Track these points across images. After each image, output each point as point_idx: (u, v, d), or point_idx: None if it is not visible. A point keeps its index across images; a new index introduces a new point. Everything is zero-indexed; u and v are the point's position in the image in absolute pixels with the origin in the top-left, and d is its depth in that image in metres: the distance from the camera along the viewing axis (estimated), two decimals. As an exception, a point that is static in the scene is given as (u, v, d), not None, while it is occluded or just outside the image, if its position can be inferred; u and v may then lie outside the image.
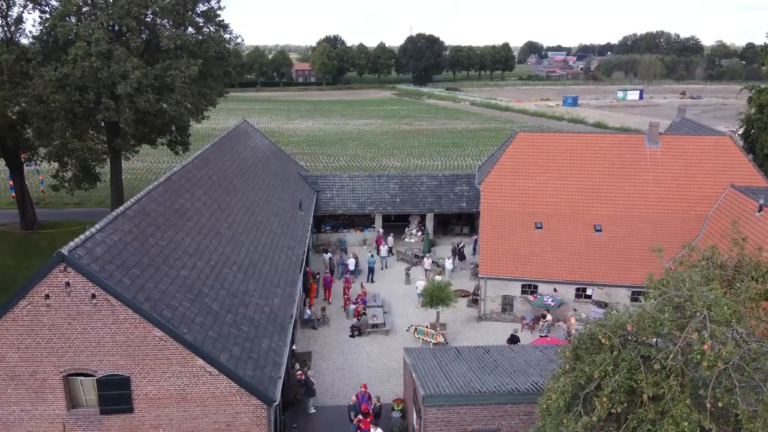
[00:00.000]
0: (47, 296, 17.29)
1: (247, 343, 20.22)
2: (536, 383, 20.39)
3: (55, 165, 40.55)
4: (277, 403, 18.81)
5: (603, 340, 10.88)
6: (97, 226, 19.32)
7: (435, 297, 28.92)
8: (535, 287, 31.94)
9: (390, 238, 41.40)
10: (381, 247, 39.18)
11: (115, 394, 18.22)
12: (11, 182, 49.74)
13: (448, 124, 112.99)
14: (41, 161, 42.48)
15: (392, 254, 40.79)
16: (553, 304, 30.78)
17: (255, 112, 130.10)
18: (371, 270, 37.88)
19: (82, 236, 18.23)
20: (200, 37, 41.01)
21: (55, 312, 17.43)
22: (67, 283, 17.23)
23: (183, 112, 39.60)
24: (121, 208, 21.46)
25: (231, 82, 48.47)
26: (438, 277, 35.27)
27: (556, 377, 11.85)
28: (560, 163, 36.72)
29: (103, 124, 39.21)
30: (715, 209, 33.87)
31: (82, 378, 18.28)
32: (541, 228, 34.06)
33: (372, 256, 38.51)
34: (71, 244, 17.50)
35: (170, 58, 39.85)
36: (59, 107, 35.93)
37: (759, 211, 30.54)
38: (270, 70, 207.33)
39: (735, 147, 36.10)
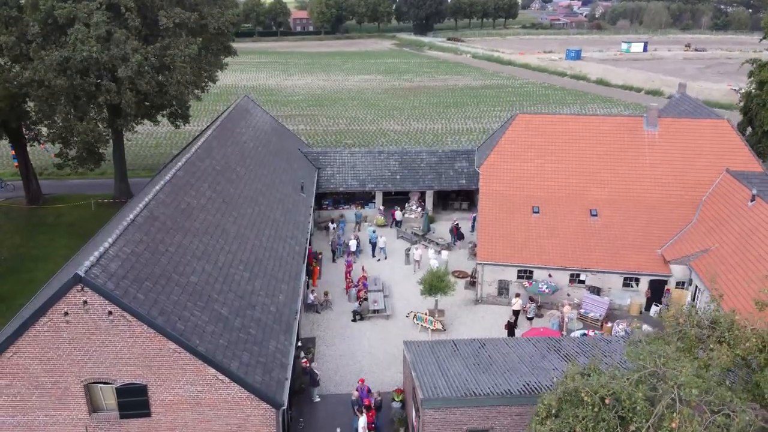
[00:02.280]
0: (66, 313, 18.26)
1: (255, 347, 21.36)
2: (528, 384, 21.66)
3: (59, 144, 40.91)
4: (284, 407, 20.10)
5: (585, 398, 11.87)
6: (110, 239, 20.07)
7: (434, 287, 29.99)
8: (531, 273, 32.99)
9: (399, 213, 42.52)
10: (380, 239, 39.23)
11: (134, 401, 19.49)
12: (13, 152, 50.08)
13: (449, 81, 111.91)
14: (45, 141, 42.79)
15: (399, 225, 42.24)
16: (547, 291, 31.90)
17: (252, 67, 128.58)
18: (374, 245, 39.07)
19: (96, 253, 19.03)
20: (199, 14, 40.55)
21: (75, 327, 18.45)
22: (85, 302, 18.16)
23: (184, 91, 39.72)
24: (131, 215, 22.14)
25: (231, 54, 48.17)
26: (445, 253, 37.04)
27: (541, 420, 12.86)
28: (559, 146, 37.15)
29: (104, 106, 39.32)
30: (709, 195, 34.54)
31: (102, 385, 19.50)
32: (538, 213, 34.82)
33: (374, 231, 39.74)
34: (87, 263, 18.32)
35: (169, 36, 39.62)
36: (61, 90, 36.06)
37: (751, 201, 31.25)
38: (267, 18, 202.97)
39: (732, 131, 36.46)
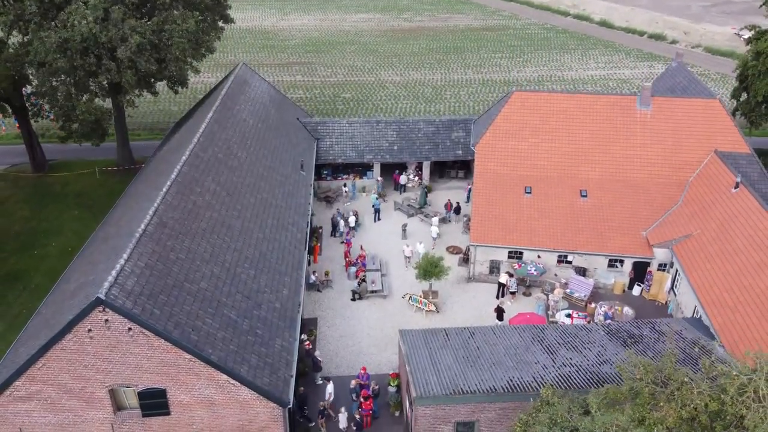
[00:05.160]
0: (90, 330, 20.01)
1: (263, 348, 23.28)
2: (511, 380, 23.76)
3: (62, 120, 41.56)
4: (290, 405, 22.23)
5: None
6: (125, 255, 21.52)
7: (428, 272, 31.74)
8: (521, 254, 34.64)
9: (403, 177, 44.50)
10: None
11: (154, 402, 21.60)
12: (15, 115, 50.52)
13: (450, 21, 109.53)
14: (49, 119, 43.46)
15: (403, 190, 44.64)
16: (535, 273, 33.68)
17: (247, 4, 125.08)
18: (377, 211, 41.08)
19: (114, 272, 20.53)
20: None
21: (98, 342, 20.26)
22: (106, 320, 19.89)
23: (182, 67, 40.07)
24: (143, 225, 23.46)
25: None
26: (435, 219, 39.22)
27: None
28: (553, 125, 37.89)
29: (106, 84, 39.71)
30: (695, 176, 35.69)
31: (125, 388, 21.55)
32: (530, 193, 36.06)
33: (378, 198, 41.83)
34: (106, 285, 19.86)
35: (166, 10, 39.51)
36: (62, 70, 36.51)
37: (735, 188, 32.45)
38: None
39: (723, 111, 37.06)
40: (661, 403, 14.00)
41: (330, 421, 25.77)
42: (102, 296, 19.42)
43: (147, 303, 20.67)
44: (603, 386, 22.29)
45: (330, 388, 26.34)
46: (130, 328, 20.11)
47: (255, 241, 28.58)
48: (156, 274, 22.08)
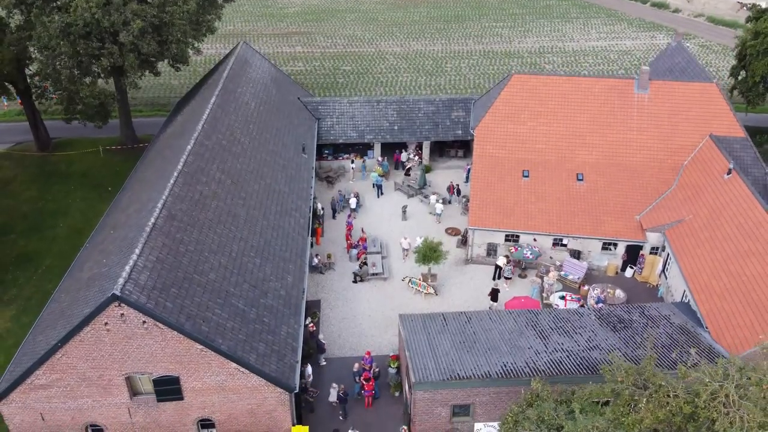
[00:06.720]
0: (106, 323, 21.14)
1: (270, 335, 24.47)
2: (505, 365, 25.02)
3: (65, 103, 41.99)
4: (296, 390, 23.53)
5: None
6: (137, 250, 22.48)
7: (427, 257, 32.78)
8: (517, 237, 35.62)
9: (404, 154, 45.45)
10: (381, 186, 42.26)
11: (168, 388, 22.89)
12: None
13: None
14: (52, 99, 43.82)
15: (404, 168, 45.34)
16: (530, 256, 34.72)
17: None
18: (379, 187, 42.37)
19: (127, 268, 21.52)
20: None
21: (114, 334, 21.41)
22: (122, 314, 20.99)
23: (184, 48, 40.35)
24: (152, 219, 24.34)
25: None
26: (434, 198, 40.45)
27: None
28: (551, 108, 38.40)
29: (108, 66, 39.97)
30: (690, 160, 36.41)
31: (141, 376, 22.80)
32: (527, 177, 36.83)
33: (381, 175, 42.92)
34: (120, 281, 20.87)
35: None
36: (65, 53, 36.84)
37: (728, 174, 33.23)
38: None
39: (719, 95, 37.53)
40: (640, 405, 15.16)
41: (309, 396, 27.36)
42: (117, 292, 20.45)
43: (159, 297, 21.73)
44: (591, 372, 23.81)
45: (309, 369, 27.79)
46: (144, 322, 21.22)
47: (260, 229, 29.51)
48: (167, 267, 23.08)
